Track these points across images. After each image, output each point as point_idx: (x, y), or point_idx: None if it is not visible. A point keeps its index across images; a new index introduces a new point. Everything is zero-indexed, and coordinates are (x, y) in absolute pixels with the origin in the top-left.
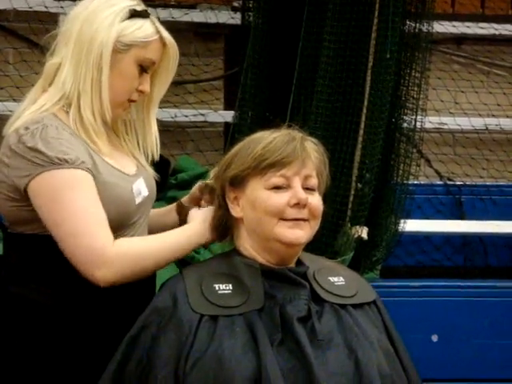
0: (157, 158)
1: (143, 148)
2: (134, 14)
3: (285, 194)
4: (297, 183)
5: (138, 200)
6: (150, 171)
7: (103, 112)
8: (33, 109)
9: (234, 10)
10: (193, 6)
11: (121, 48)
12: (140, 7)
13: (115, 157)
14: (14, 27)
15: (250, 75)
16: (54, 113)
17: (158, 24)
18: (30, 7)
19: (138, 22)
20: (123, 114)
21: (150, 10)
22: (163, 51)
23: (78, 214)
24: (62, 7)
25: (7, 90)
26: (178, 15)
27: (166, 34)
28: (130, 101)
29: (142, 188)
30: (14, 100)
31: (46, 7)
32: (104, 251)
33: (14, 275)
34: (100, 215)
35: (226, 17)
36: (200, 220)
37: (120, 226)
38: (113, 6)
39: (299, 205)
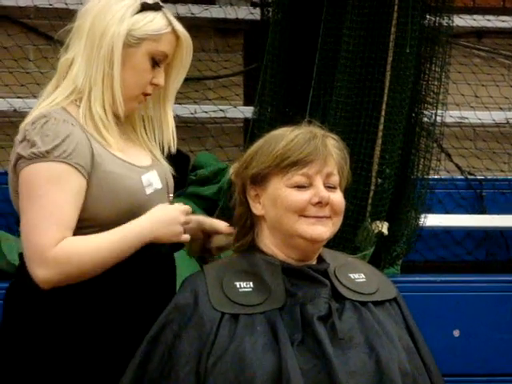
0: (174, 150)
1: (160, 142)
2: (145, 8)
3: (306, 192)
4: (319, 182)
5: (148, 190)
6: (166, 165)
7: (115, 106)
8: (45, 103)
9: (254, 5)
10: (212, 2)
11: (132, 42)
12: (151, 0)
13: (126, 149)
14: (35, 24)
15: (269, 71)
16: (64, 107)
17: (170, 16)
18: (51, 4)
19: (150, 15)
20: (138, 107)
21: (168, 6)
22: (176, 44)
23: (40, 208)
24: (81, 3)
25: (28, 87)
26: (197, 11)
27: (178, 27)
28: (145, 94)
29: (154, 180)
30: (35, 97)
31: (66, 4)
32: (44, 250)
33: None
34: (61, 214)
35: (246, 12)
36: (154, 217)
37: (134, 217)
38: (124, 0)
39: (321, 203)
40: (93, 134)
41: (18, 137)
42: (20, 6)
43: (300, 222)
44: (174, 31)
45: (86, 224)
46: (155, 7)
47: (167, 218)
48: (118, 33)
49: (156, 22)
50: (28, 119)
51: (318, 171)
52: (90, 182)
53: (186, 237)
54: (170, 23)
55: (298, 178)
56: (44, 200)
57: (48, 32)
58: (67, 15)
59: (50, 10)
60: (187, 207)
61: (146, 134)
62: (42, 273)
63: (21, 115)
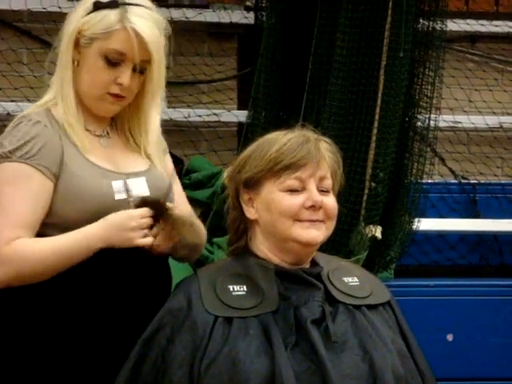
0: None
1: (143, 146)
2: (98, 7)
3: (300, 196)
4: (312, 185)
5: (118, 196)
6: (160, 173)
7: (69, 107)
8: (35, 104)
9: (247, 9)
10: (206, 6)
11: (84, 43)
12: None
13: (112, 155)
14: (28, 27)
15: (263, 75)
16: (49, 107)
17: (128, 14)
18: (44, 8)
19: (101, 14)
20: (112, 108)
21: (162, 10)
22: (136, 41)
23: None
24: (75, 7)
25: (21, 91)
26: (192, 15)
27: (131, 24)
28: (114, 95)
29: (136, 187)
30: (29, 100)
31: (59, 7)
32: None
33: None
34: (17, 214)
35: (239, 16)
36: (106, 223)
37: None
38: (86, 2)
39: (314, 207)
40: (67, 134)
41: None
42: (13, 9)
43: (294, 227)
44: (125, 28)
45: (58, 226)
46: (109, 5)
47: (117, 223)
48: (65, 36)
49: (105, 19)
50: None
51: (311, 175)
52: (58, 184)
53: (145, 241)
54: (123, 20)
55: (290, 181)
56: (1, 199)
57: (41, 35)
58: (61, 19)
59: (43, 14)
60: (141, 211)
61: (135, 138)
62: None
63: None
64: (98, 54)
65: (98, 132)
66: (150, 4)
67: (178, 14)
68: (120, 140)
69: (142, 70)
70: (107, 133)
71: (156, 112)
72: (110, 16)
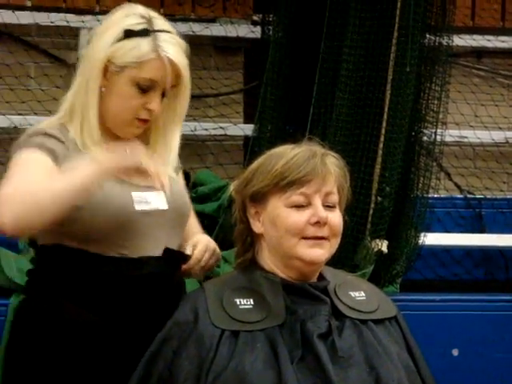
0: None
1: (165, 162)
2: (128, 35)
3: (305, 213)
4: (317, 201)
5: (138, 206)
6: (179, 189)
7: (90, 131)
8: (50, 119)
9: (254, 23)
10: (212, 20)
11: (114, 70)
12: (141, 26)
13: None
14: (36, 41)
15: (269, 89)
16: (63, 123)
17: (160, 42)
18: (52, 22)
19: (132, 42)
20: (137, 132)
21: (170, 23)
22: (170, 69)
23: (13, 176)
24: (82, 21)
25: (29, 104)
26: (198, 29)
27: (165, 53)
28: (141, 120)
29: (155, 200)
30: (35, 114)
31: (67, 22)
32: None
33: (39, 287)
34: (22, 179)
35: (246, 30)
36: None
37: (125, 231)
38: (113, 27)
39: (319, 223)
40: (81, 149)
41: None
42: (21, 23)
43: (300, 245)
44: (159, 57)
45: (77, 237)
46: (142, 33)
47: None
48: (95, 63)
49: (138, 49)
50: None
51: (316, 190)
52: None
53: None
54: (156, 49)
55: (296, 197)
56: (14, 173)
57: (49, 49)
58: (68, 33)
59: (51, 28)
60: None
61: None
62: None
63: (21, 132)
64: (130, 82)
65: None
66: (172, 29)
67: (184, 27)
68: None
69: (166, 93)
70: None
71: (179, 131)
72: (143, 45)
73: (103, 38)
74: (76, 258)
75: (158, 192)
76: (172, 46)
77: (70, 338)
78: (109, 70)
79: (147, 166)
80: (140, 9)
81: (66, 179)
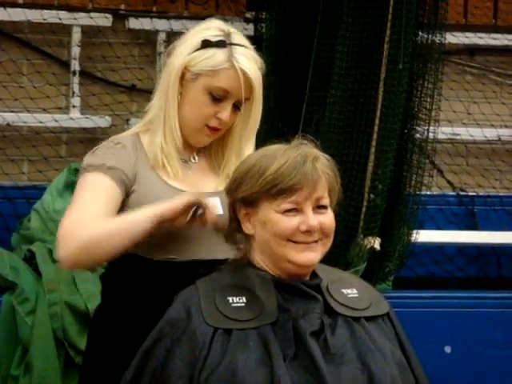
0: None
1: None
2: (207, 45)
3: (295, 218)
4: (308, 208)
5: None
6: None
7: (173, 137)
8: (129, 131)
9: (247, 21)
10: (205, 18)
11: (190, 77)
12: (218, 38)
13: (185, 177)
14: (28, 38)
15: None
16: (138, 132)
17: (236, 54)
18: (44, 19)
19: (210, 52)
20: (206, 140)
21: (162, 21)
22: (243, 80)
23: (76, 204)
24: (75, 18)
25: (21, 102)
26: (191, 26)
27: (239, 64)
28: (211, 128)
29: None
30: (28, 111)
31: (59, 19)
32: (60, 227)
33: (110, 292)
34: (93, 210)
35: (239, 28)
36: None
37: (173, 237)
38: (192, 38)
39: (310, 232)
40: (149, 158)
41: None
42: (13, 20)
43: (288, 247)
44: (233, 67)
45: (142, 244)
46: (219, 44)
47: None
48: (175, 69)
49: (214, 58)
50: None
51: (307, 197)
52: (130, 199)
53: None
54: (231, 60)
55: (286, 205)
56: (80, 201)
57: (41, 46)
58: (61, 30)
59: (43, 25)
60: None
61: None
62: (60, 253)
63: (14, 129)
64: (203, 90)
65: (185, 158)
66: (250, 44)
67: (178, 25)
68: (207, 165)
69: (240, 105)
70: (193, 158)
71: (252, 145)
72: (219, 55)
73: (182, 48)
74: (140, 265)
75: (214, 198)
76: (247, 59)
77: (132, 337)
78: (185, 78)
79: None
80: (220, 23)
81: (132, 220)
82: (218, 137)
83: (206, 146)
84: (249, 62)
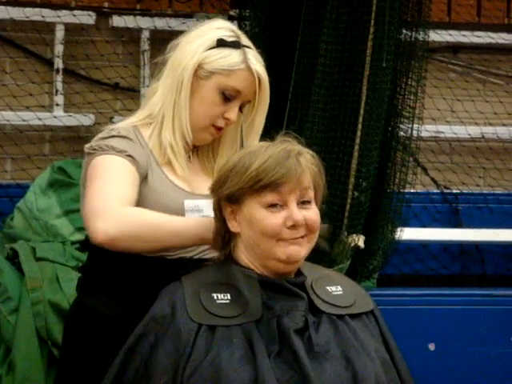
0: None
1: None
2: (221, 44)
3: (280, 215)
4: (292, 202)
5: (188, 215)
6: None
7: (183, 134)
8: (123, 122)
9: (231, 18)
10: (189, 16)
11: (203, 74)
12: (232, 38)
13: (191, 177)
14: (11, 36)
15: None
16: (137, 126)
17: (249, 55)
18: (27, 17)
19: (225, 51)
20: (208, 138)
21: (146, 19)
22: (255, 83)
23: (108, 180)
24: (58, 16)
25: (4, 100)
26: (175, 24)
27: (255, 66)
28: (216, 127)
29: (207, 207)
30: (11, 109)
31: (42, 16)
32: (109, 206)
33: (88, 285)
34: (118, 191)
35: None
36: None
37: None
38: (205, 35)
39: (295, 226)
40: (153, 153)
41: None
42: None
43: (276, 247)
44: (248, 69)
45: None
46: (233, 45)
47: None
48: (188, 65)
49: (229, 58)
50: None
51: (291, 191)
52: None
53: None
54: (246, 61)
55: (270, 198)
56: (101, 185)
57: (24, 44)
58: (44, 28)
59: (26, 23)
60: None
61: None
62: (102, 225)
63: None
64: (216, 89)
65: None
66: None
67: (161, 23)
68: (199, 164)
69: (243, 107)
70: (189, 157)
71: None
72: (235, 55)
73: (195, 45)
74: (121, 260)
75: (210, 200)
76: (258, 62)
77: (108, 332)
78: (197, 75)
79: None
80: (228, 23)
81: (180, 231)
82: (217, 137)
83: (201, 146)
84: (260, 64)
